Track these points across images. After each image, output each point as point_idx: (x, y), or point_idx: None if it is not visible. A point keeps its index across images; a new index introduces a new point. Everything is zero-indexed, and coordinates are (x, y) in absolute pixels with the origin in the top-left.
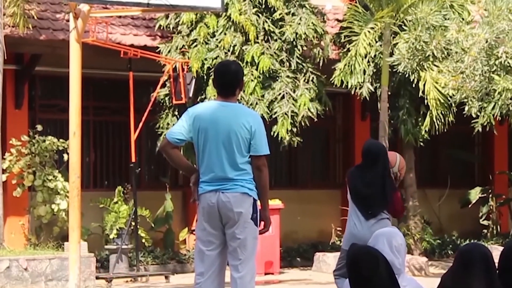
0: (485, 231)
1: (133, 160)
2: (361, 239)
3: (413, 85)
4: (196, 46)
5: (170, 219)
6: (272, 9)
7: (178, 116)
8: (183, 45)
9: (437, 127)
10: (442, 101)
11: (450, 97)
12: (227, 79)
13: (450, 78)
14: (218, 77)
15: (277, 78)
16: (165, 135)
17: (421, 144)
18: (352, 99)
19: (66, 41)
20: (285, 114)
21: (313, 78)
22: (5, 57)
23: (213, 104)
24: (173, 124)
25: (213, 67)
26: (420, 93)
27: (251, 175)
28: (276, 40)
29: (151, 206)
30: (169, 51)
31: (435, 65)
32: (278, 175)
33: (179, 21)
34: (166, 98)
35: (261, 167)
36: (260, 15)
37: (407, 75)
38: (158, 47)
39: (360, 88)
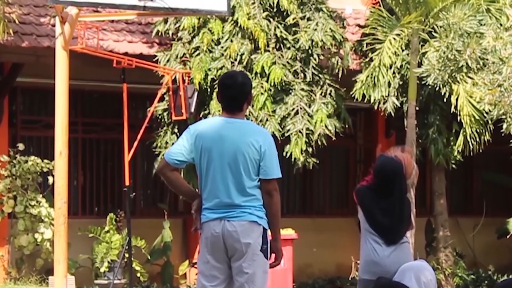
0: None
1: (127, 183)
2: (383, 267)
3: (444, 100)
4: (198, 54)
5: (169, 250)
6: (284, 13)
7: (178, 134)
8: (184, 54)
9: (471, 147)
10: (477, 117)
11: (486, 113)
12: (233, 93)
13: (486, 91)
14: (223, 90)
15: (290, 91)
16: (163, 155)
17: (453, 166)
18: (375, 115)
19: (52, 48)
20: (299, 132)
21: (331, 91)
22: None
23: (217, 120)
24: (173, 143)
25: (217, 78)
26: (452, 109)
27: (261, 201)
28: (289, 48)
29: (147, 235)
30: (168, 60)
31: (469, 77)
32: (291, 201)
33: (179, 26)
34: (165, 114)
35: (271, 192)
36: (271, 19)
37: (437, 88)
38: (155, 56)
39: (384, 103)
